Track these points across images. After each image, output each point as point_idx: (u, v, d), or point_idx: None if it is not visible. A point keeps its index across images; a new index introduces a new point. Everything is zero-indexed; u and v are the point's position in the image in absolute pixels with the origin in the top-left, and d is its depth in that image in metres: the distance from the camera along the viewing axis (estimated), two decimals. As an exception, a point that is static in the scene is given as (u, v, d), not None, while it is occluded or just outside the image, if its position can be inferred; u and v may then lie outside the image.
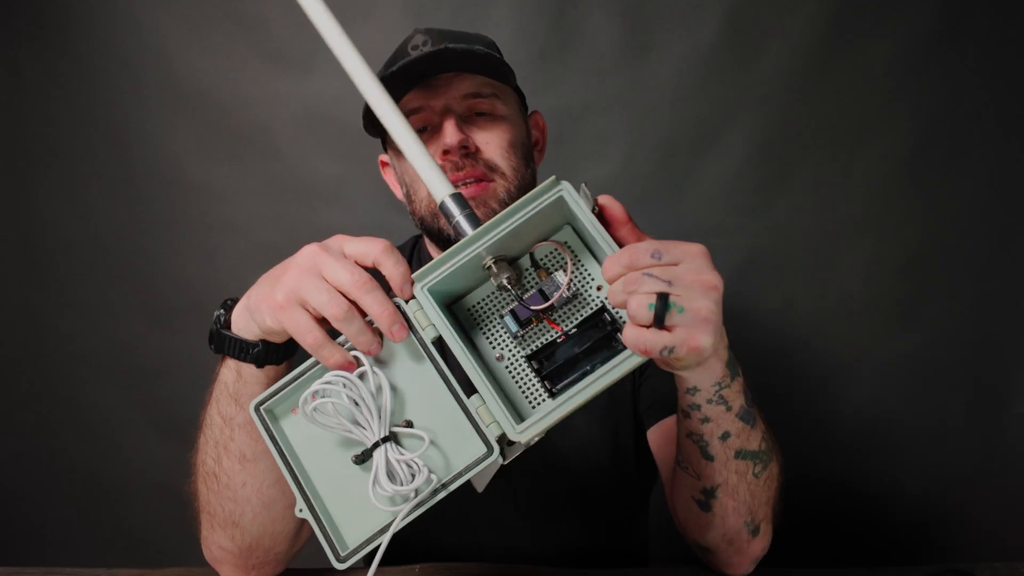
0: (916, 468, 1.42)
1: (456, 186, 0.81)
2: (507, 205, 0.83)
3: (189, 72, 1.45)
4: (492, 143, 0.83)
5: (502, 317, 0.57)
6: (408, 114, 0.82)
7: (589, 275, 0.57)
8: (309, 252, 0.57)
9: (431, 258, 0.95)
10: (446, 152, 0.81)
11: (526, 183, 0.86)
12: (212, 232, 1.47)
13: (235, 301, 0.66)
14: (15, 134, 1.48)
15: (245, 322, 0.63)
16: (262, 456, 0.66)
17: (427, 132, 0.84)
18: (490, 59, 0.81)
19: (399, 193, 0.94)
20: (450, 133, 0.81)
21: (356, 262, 0.56)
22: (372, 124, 0.83)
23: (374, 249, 0.56)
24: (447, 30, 0.85)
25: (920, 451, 1.42)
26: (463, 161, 0.82)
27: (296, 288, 0.55)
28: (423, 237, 0.99)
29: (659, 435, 0.88)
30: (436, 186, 0.57)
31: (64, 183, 1.48)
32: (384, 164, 0.99)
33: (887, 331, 1.41)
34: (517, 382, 0.56)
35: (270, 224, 1.47)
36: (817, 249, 1.42)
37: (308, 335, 0.54)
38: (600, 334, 0.53)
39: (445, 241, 0.88)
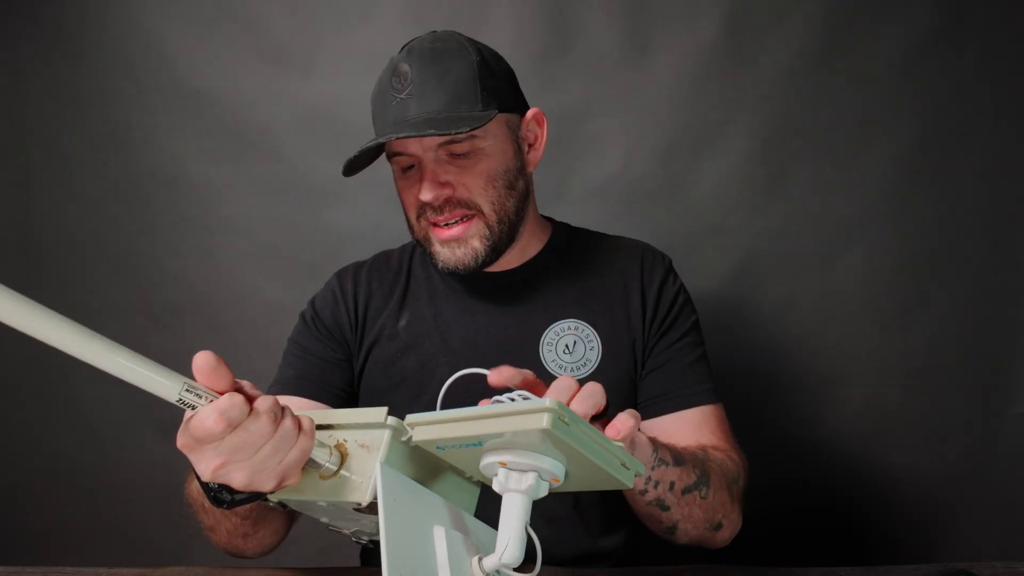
0: (916, 468, 1.42)
1: (439, 225, 0.86)
2: (489, 241, 0.87)
3: (190, 72, 1.45)
4: (469, 183, 0.86)
5: None
6: (394, 154, 0.87)
7: None
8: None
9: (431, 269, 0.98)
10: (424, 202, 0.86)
11: (508, 209, 0.88)
12: (212, 232, 1.47)
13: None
14: (15, 134, 1.48)
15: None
16: (264, 525, 0.74)
17: (414, 169, 0.87)
18: (457, 119, 0.81)
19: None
20: (426, 191, 0.84)
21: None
22: (351, 167, 0.86)
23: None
24: (428, 54, 0.84)
25: (920, 451, 1.42)
26: (443, 206, 0.85)
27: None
28: None
29: (649, 430, 0.90)
30: (165, 389, 0.49)
31: (64, 183, 1.48)
32: None
33: (886, 331, 1.41)
34: None
35: (270, 224, 1.47)
36: (817, 249, 1.42)
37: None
38: None
39: (435, 267, 0.92)
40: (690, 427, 0.89)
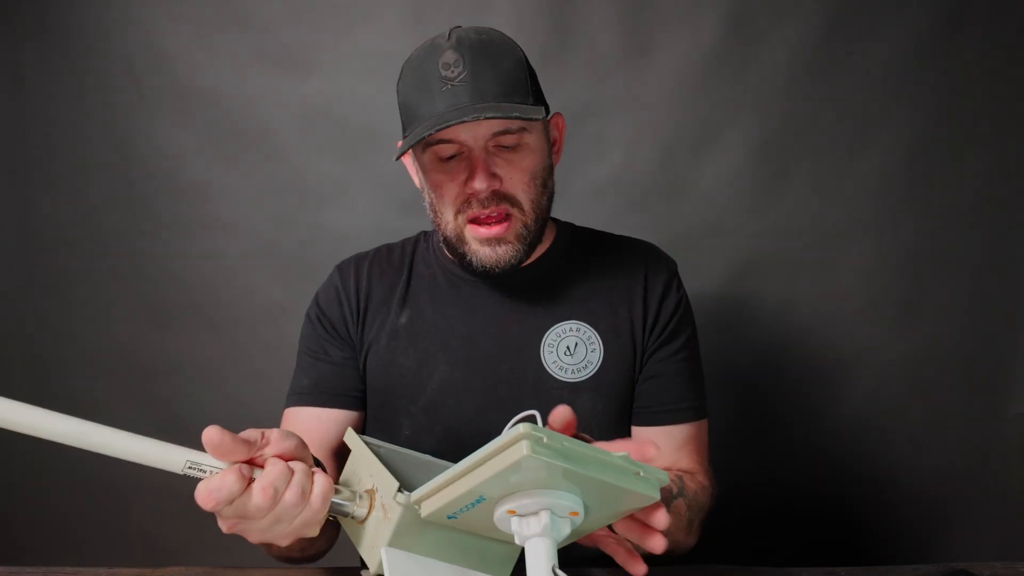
0: (915, 468, 1.42)
1: (480, 219, 0.83)
2: (526, 240, 0.85)
3: (190, 73, 1.45)
4: (515, 177, 0.84)
5: None
6: (436, 142, 0.83)
7: None
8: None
9: (446, 260, 0.95)
10: (472, 192, 0.83)
11: (543, 209, 0.88)
12: (212, 232, 1.47)
13: None
14: (16, 134, 1.49)
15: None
16: (312, 539, 0.72)
17: (455, 160, 0.85)
18: (523, 104, 0.81)
19: (416, 181, 0.93)
20: (479, 180, 0.82)
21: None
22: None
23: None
24: (477, 45, 0.83)
25: (919, 451, 1.42)
26: (488, 200, 0.83)
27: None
28: (432, 237, 0.99)
29: (636, 438, 0.92)
30: (170, 459, 0.52)
31: (64, 183, 1.49)
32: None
33: (887, 331, 1.41)
34: None
35: (270, 224, 1.47)
36: (817, 249, 1.42)
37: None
38: None
39: (468, 267, 0.88)
40: (674, 445, 0.90)
